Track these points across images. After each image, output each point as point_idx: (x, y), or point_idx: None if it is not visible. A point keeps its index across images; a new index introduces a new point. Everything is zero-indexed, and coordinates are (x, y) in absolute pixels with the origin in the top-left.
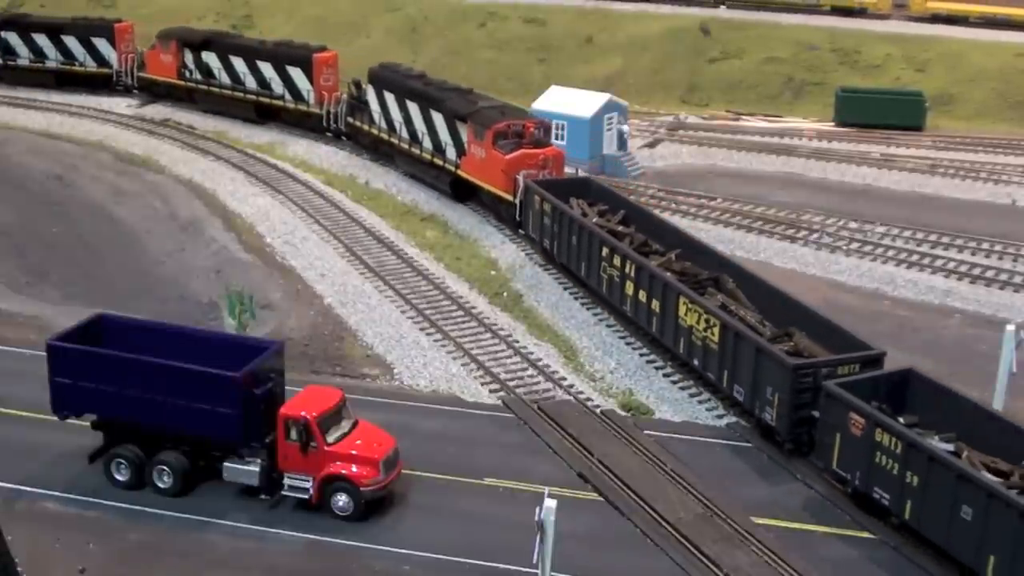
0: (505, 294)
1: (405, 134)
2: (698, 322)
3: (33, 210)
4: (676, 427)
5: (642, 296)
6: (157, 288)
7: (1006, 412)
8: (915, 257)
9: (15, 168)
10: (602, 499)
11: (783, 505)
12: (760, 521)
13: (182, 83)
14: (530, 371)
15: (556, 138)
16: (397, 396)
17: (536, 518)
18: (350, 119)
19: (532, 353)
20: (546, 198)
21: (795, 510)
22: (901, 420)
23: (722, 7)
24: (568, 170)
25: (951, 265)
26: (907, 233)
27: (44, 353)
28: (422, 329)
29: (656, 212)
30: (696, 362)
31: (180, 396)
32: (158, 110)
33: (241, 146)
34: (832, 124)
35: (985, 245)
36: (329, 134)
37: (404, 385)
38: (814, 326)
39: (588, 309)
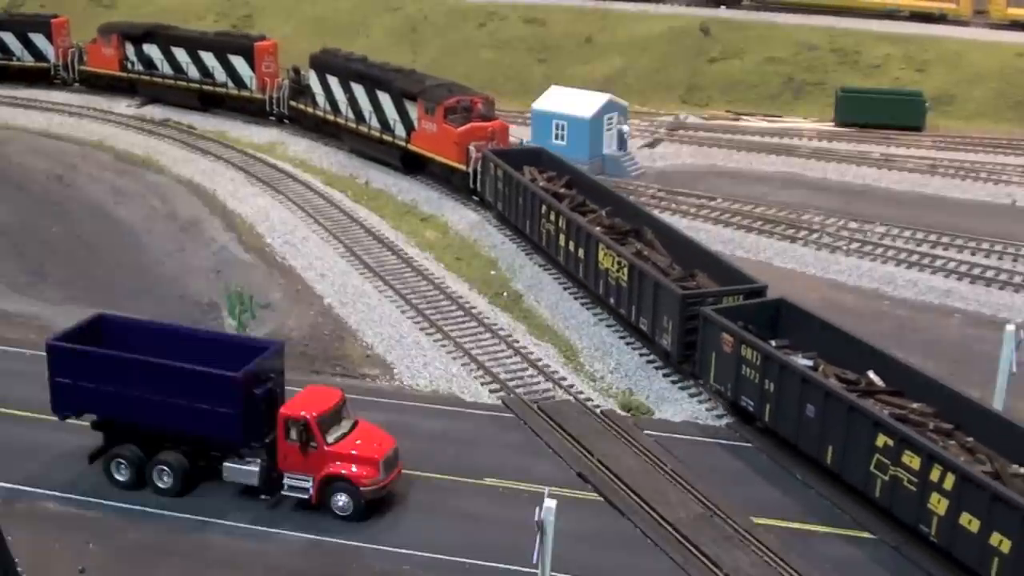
0: (505, 294)
1: (350, 114)
2: (612, 265)
3: (33, 210)
4: (676, 427)
5: (572, 246)
6: (157, 288)
7: (1007, 412)
8: (915, 257)
9: (15, 168)
10: (602, 499)
11: (783, 505)
12: (760, 521)
13: (124, 75)
14: (530, 371)
15: (556, 138)
16: (397, 396)
17: (536, 518)
18: (292, 103)
19: (532, 353)
20: (499, 165)
21: (795, 510)
22: (774, 343)
23: (722, 7)
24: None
25: (951, 265)
26: (907, 233)
27: (44, 353)
28: (422, 329)
29: (594, 177)
30: (612, 300)
31: (180, 396)
32: (158, 110)
33: (241, 146)
34: (832, 124)
35: (985, 245)
36: (272, 118)
37: (404, 385)
38: (718, 269)
39: (588, 309)
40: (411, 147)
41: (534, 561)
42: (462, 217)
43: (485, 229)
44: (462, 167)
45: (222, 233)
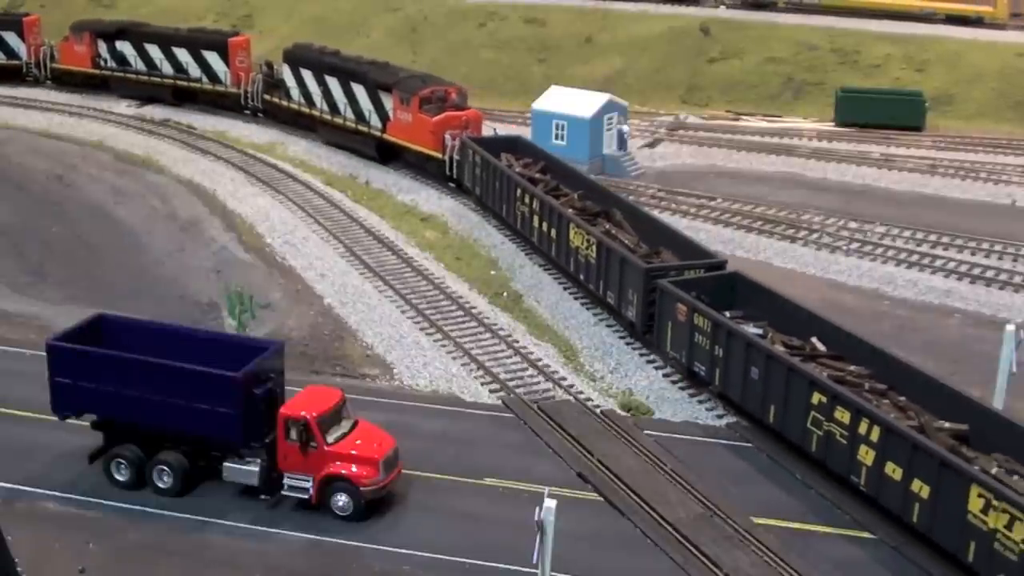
0: (505, 294)
1: (325, 106)
2: (582, 243)
3: (33, 210)
4: (676, 427)
5: (545, 227)
6: (157, 288)
7: (1007, 412)
8: (915, 257)
9: (15, 168)
10: (602, 499)
11: (783, 505)
12: (760, 521)
13: (97, 72)
14: (530, 371)
15: (556, 138)
16: (397, 396)
17: (536, 518)
18: (266, 96)
19: (532, 353)
20: (478, 152)
21: (795, 510)
22: (728, 314)
23: (722, 7)
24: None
25: (951, 265)
26: (907, 233)
27: (44, 353)
28: (422, 329)
29: (567, 162)
30: (581, 276)
31: (180, 396)
32: (158, 110)
33: (241, 146)
34: (832, 124)
35: (985, 245)
36: (247, 112)
37: (404, 385)
38: (682, 246)
39: (588, 309)
40: (387, 137)
41: (534, 561)
42: (462, 217)
43: (485, 229)
44: (438, 155)
45: (222, 233)
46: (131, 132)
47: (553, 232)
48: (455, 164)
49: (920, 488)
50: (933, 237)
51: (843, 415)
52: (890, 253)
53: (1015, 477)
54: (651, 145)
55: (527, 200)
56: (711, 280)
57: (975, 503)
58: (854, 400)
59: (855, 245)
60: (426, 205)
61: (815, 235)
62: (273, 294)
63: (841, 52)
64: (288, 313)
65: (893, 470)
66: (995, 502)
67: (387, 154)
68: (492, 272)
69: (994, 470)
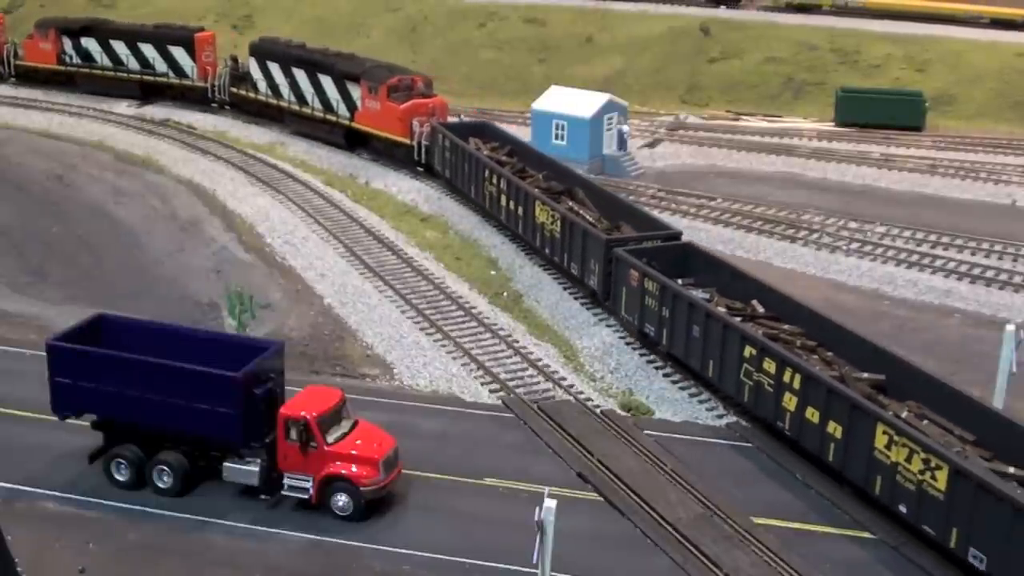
0: (505, 294)
1: (292, 97)
2: (547, 219)
3: (33, 210)
4: (676, 427)
5: (512, 206)
6: (157, 288)
7: (1007, 412)
8: (915, 257)
9: (15, 168)
10: (602, 499)
11: (783, 505)
12: (760, 521)
13: (62, 68)
14: (530, 371)
15: (556, 138)
16: (397, 396)
17: (536, 518)
18: (233, 89)
19: (532, 353)
20: (448, 136)
21: (795, 510)
22: (680, 281)
23: (722, 7)
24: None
25: (951, 265)
26: (907, 233)
27: (44, 353)
28: (422, 329)
29: (529, 144)
30: (547, 251)
31: (180, 396)
32: (159, 110)
33: (241, 146)
34: (832, 124)
35: (985, 245)
36: (214, 104)
37: (404, 385)
38: (640, 221)
39: (588, 309)
40: (355, 125)
41: (534, 561)
42: (462, 217)
43: (485, 229)
44: (406, 141)
45: (222, 233)
46: (131, 132)
47: (520, 210)
48: (424, 149)
49: (835, 429)
50: (933, 237)
51: (770, 365)
52: (890, 253)
53: (924, 421)
54: (651, 145)
55: (495, 181)
56: (666, 250)
57: (880, 440)
58: (779, 352)
59: (855, 245)
60: (426, 206)
61: (815, 235)
62: (273, 294)
63: (841, 52)
64: (288, 313)
65: (812, 414)
66: (896, 438)
67: (355, 141)
68: (492, 272)
69: (904, 414)
